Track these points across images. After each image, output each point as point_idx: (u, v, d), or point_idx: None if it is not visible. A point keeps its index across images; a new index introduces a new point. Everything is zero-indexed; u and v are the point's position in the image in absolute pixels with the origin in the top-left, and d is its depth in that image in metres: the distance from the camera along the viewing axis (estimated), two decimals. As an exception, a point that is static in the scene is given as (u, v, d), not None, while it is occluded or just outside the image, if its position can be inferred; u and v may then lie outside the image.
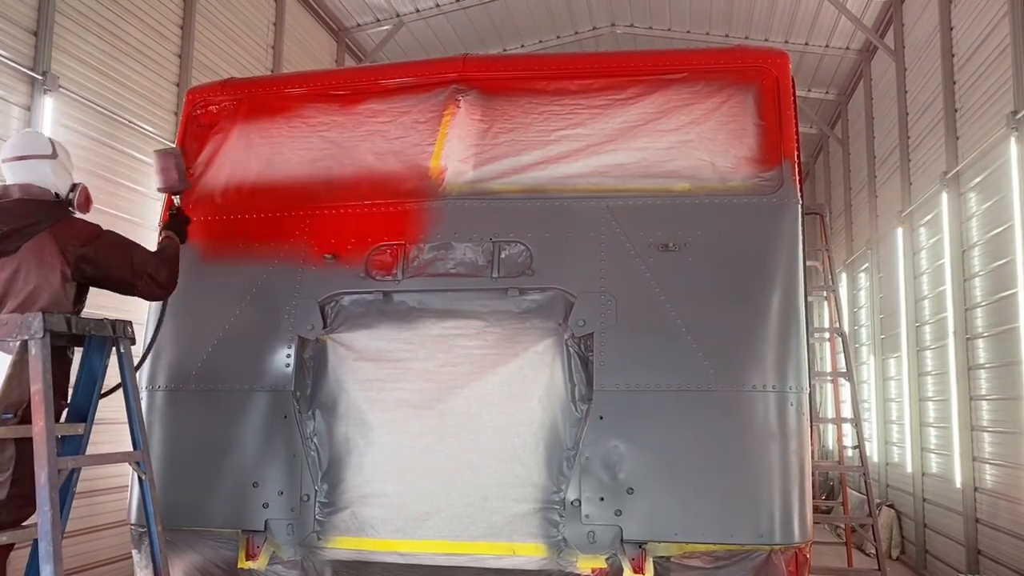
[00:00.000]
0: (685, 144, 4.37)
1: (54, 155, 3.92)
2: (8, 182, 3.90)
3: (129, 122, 9.13)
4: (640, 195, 4.28)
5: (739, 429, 3.92)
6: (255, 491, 4.19)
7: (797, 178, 4.25)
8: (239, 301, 4.45)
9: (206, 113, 4.97)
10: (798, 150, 4.36)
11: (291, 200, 4.62)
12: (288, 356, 4.31)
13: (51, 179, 3.86)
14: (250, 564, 4.16)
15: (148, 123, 9.40)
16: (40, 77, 7.84)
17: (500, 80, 4.66)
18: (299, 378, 4.29)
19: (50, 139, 4.02)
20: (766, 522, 3.84)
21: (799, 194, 4.23)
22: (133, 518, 4.34)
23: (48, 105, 7.92)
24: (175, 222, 4.47)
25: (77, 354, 3.88)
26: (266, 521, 4.16)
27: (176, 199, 4.57)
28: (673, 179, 4.31)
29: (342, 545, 4.11)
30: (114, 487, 8.37)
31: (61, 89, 8.08)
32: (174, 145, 4.67)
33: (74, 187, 3.94)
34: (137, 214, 9.13)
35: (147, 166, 9.30)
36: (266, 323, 4.37)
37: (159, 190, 4.57)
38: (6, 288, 3.64)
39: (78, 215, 3.97)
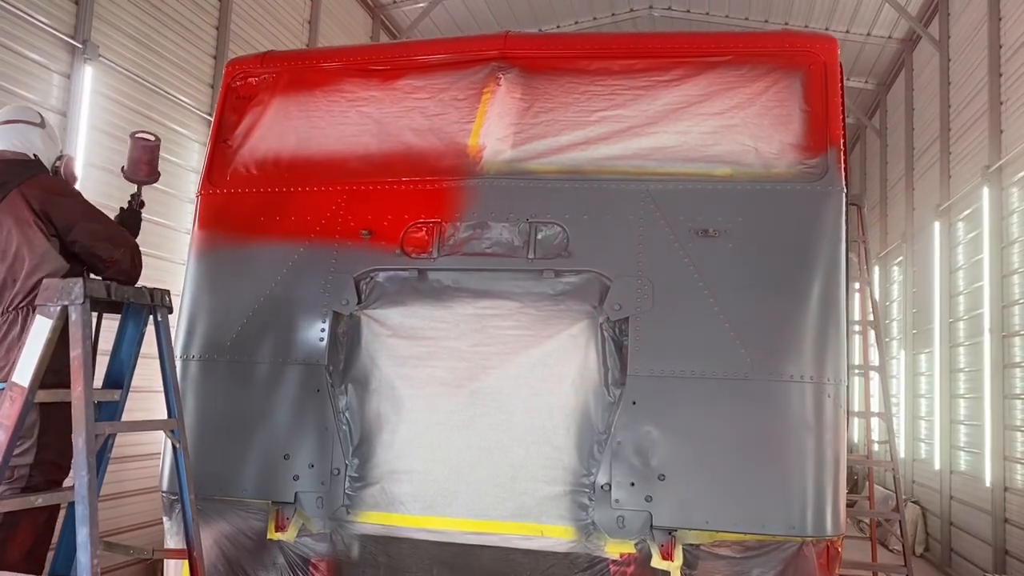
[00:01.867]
0: (728, 128, 4.29)
1: (42, 124, 4.04)
2: None
3: (166, 93, 9.18)
4: (681, 179, 4.21)
5: (774, 419, 3.87)
6: (286, 463, 4.21)
7: (843, 166, 4.16)
8: (275, 274, 4.45)
9: (245, 85, 4.96)
10: (844, 138, 4.27)
11: (328, 175, 4.60)
12: (322, 330, 4.31)
13: (38, 145, 3.97)
14: (279, 535, 4.18)
15: (185, 94, 9.44)
16: (80, 46, 7.91)
17: (542, 59, 4.60)
18: (332, 352, 4.29)
19: (42, 115, 4.11)
20: (798, 514, 3.79)
21: (844, 182, 4.15)
22: (165, 486, 4.38)
23: (88, 74, 7.99)
24: (130, 215, 4.40)
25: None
26: (296, 493, 4.18)
27: (136, 190, 4.51)
28: (715, 164, 4.24)
29: (371, 520, 4.12)
30: (141, 455, 8.50)
31: (101, 58, 8.14)
32: (154, 136, 4.57)
33: (60, 157, 4.05)
34: (172, 186, 9.20)
35: (184, 137, 9.37)
36: (301, 297, 4.37)
37: (126, 178, 4.50)
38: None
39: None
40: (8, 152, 3.89)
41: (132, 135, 4.48)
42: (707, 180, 4.20)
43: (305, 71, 4.93)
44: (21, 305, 3.82)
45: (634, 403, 3.95)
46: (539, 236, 4.23)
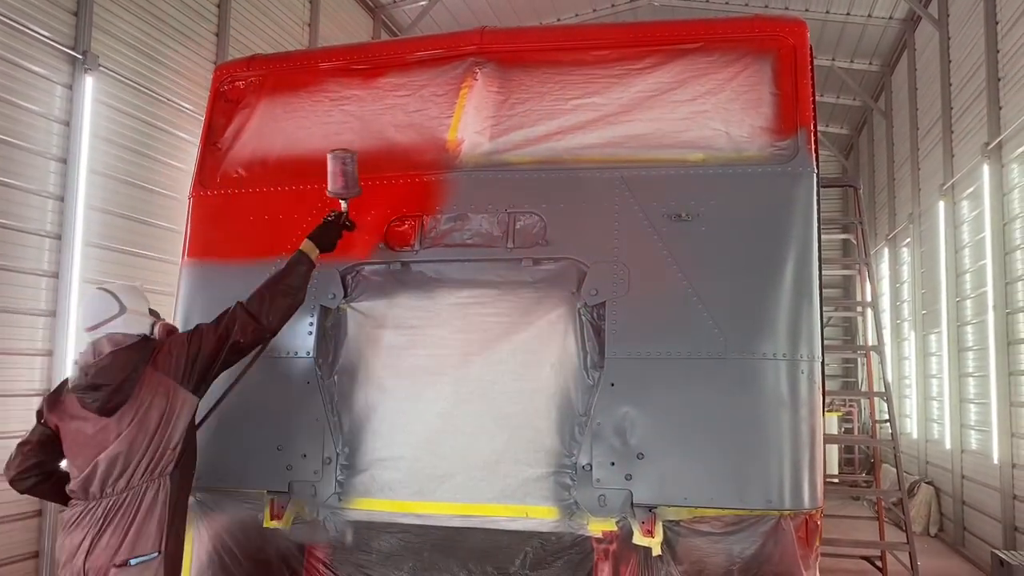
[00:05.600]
0: (701, 114, 4.36)
1: (122, 311, 3.87)
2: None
3: (167, 100, 9.35)
4: (654, 165, 4.29)
5: (750, 396, 3.93)
6: (279, 454, 4.33)
7: (813, 147, 4.22)
8: (264, 272, 4.56)
9: (233, 89, 5.09)
10: (815, 119, 4.33)
11: (314, 173, 4.70)
12: (311, 324, 4.42)
13: (126, 332, 3.84)
14: (275, 524, 4.30)
15: (186, 100, 9.61)
16: (80, 56, 8.09)
17: (518, 52, 4.69)
18: (321, 345, 4.41)
19: (114, 294, 3.90)
20: (776, 488, 3.86)
21: (815, 163, 4.21)
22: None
23: (88, 84, 8.17)
24: (326, 229, 4.22)
25: None
26: (290, 483, 4.29)
27: (343, 204, 4.32)
28: (688, 149, 4.31)
29: (362, 506, 4.23)
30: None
31: (101, 68, 8.32)
32: (348, 151, 4.27)
33: (152, 327, 3.95)
34: (174, 189, 9.38)
35: (184, 142, 9.53)
36: None
37: (329, 194, 4.29)
38: (141, 429, 3.71)
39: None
40: (117, 336, 3.81)
41: (329, 153, 4.25)
42: (680, 166, 4.28)
43: (290, 73, 5.05)
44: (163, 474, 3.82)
45: (612, 385, 4.03)
46: (517, 226, 4.32)
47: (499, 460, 4.10)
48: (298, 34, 12.24)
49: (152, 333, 3.94)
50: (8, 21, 7.34)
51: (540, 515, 4.05)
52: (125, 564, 3.60)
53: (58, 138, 7.99)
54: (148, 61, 9.14)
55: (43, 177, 7.84)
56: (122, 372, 3.69)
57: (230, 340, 3.87)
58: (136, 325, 3.89)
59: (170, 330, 4.01)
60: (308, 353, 4.39)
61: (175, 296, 4.81)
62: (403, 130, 4.68)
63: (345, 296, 4.45)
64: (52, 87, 7.92)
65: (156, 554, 3.67)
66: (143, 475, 3.71)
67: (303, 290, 4.08)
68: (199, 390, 3.90)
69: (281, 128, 4.89)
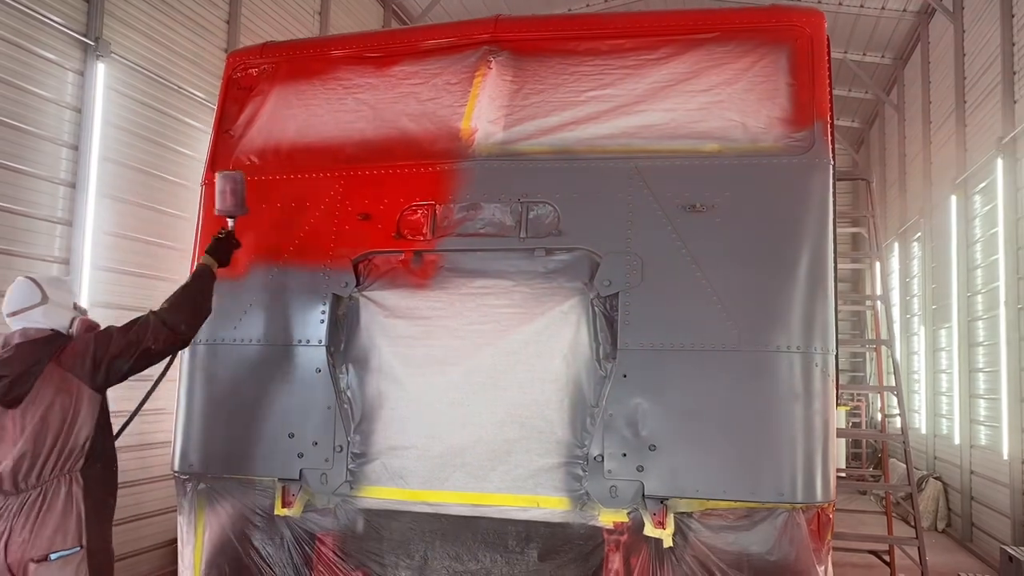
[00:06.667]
0: (716, 104, 4.33)
1: (44, 300, 3.96)
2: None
3: (178, 87, 9.34)
4: (669, 156, 4.26)
5: (763, 389, 3.92)
6: (291, 442, 4.34)
7: (829, 138, 4.19)
8: (276, 259, 4.57)
9: (246, 76, 5.07)
10: (831, 111, 4.30)
11: (327, 161, 4.70)
12: (323, 313, 4.42)
13: (44, 323, 3.94)
14: (286, 511, 4.32)
15: (197, 88, 9.60)
16: (92, 43, 8.08)
17: (531, 41, 4.66)
18: (333, 334, 4.41)
19: (38, 283, 4.00)
20: (788, 481, 3.85)
21: (831, 155, 4.18)
22: (177, 465, 4.54)
23: (100, 71, 8.17)
24: (220, 245, 4.33)
25: None
26: (301, 470, 4.30)
27: (230, 222, 4.43)
28: (703, 140, 4.28)
29: (373, 494, 4.24)
30: (165, 441, 8.71)
31: (113, 55, 8.32)
32: (238, 171, 4.49)
33: (73, 321, 4.02)
34: (185, 177, 9.39)
35: (197, 130, 9.54)
36: (302, 280, 4.49)
37: (217, 212, 4.42)
38: (43, 425, 3.76)
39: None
40: (31, 330, 3.92)
41: (218, 173, 4.43)
42: (695, 156, 4.25)
43: (303, 60, 5.03)
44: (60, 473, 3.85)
45: (625, 376, 4.02)
46: (530, 216, 4.31)
47: (510, 450, 4.10)
48: (309, 22, 12.22)
49: (71, 327, 4.02)
50: (21, 7, 7.34)
51: (551, 505, 4.05)
52: (45, 559, 3.68)
53: (69, 125, 8.00)
54: (160, 48, 9.13)
55: (54, 164, 7.85)
56: (22, 365, 3.76)
57: (142, 346, 3.93)
58: (55, 317, 3.98)
59: (89, 326, 4.07)
60: (320, 341, 4.39)
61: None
62: (416, 119, 4.66)
63: (357, 285, 4.45)
64: (64, 74, 7.92)
65: (78, 548, 3.74)
66: (52, 471, 3.79)
67: (209, 301, 4.21)
68: (102, 390, 3.95)
69: (294, 115, 4.88)
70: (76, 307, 4.14)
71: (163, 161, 9.19)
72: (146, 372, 4.04)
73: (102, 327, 4.07)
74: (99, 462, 3.95)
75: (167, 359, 4.31)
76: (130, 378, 4.01)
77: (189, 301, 4.11)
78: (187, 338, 4.12)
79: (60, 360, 3.85)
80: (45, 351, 3.84)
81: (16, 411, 3.76)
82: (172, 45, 9.32)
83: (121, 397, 4.20)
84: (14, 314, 3.96)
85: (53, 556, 3.68)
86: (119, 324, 4.00)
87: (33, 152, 7.61)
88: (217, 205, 4.41)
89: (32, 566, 3.66)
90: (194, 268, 4.32)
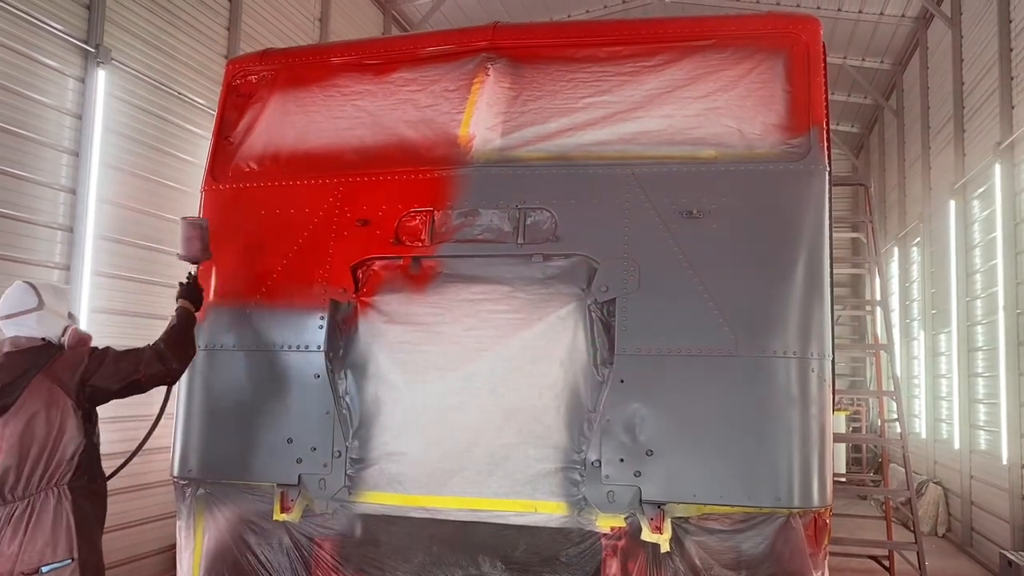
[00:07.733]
0: (712, 111, 4.36)
1: (40, 306, 3.96)
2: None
3: (179, 94, 9.37)
4: (666, 162, 4.29)
5: (759, 394, 3.94)
6: (289, 447, 4.36)
7: (825, 144, 4.22)
8: (275, 265, 4.60)
9: (245, 83, 5.10)
10: (827, 117, 4.32)
11: (326, 168, 4.73)
12: (322, 318, 4.44)
13: (38, 330, 3.93)
14: (284, 516, 4.33)
15: (198, 95, 9.63)
16: (93, 50, 8.11)
17: (529, 48, 4.69)
18: (332, 339, 4.43)
19: (36, 289, 4.00)
20: (785, 486, 3.87)
21: (827, 161, 4.21)
22: (176, 471, 4.55)
23: (101, 77, 8.20)
24: (190, 290, 4.37)
25: None
26: (299, 476, 4.32)
27: (193, 268, 4.51)
28: (700, 146, 4.31)
29: (371, 500, 4.25)
30: (166, 447, 8.70)
31: (114, 62, 8.35)
32: (202, 217, 4.58)
33: (65, 330, 4.01)
34: (186, 183, 9.40)
35: (196, 136, 9.57)
36: (301, 286, 4.51)
37: (180, 258, 4.49)
38: (27, 436, 3.74)
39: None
40: (21, 339, 3.92)
41: (182, 219, 4.48)
42: (692, 162, 4.28)
43: (302, 67, 5.06)
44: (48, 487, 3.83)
45: (622, 381, 4.04)
46: (528, 222, 4.33)
47: (508, 455, 4.12)
48: (309, 29, 12.26)
49: (63, 336, 4.00)
50: (21, 15, 7.37)
51: (549, 510, 4.06)
52: (36, 571, 3.67)
53: (70, 131, 8.02)
54: (160, 55, 9.16)
55: (55, 170, 7.87)
56: (10, 375, 3.77)
57: (133, 377, 3.96)
58: (49, 324, 3.97)
59: (81, 338, 4.06)
60: (319, 347, 4.41)
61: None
62: (415, 125, 4.69)
63: (356, 290, 4.47)
64: (64, 80, 7.95)
65: (69, 560, 3.73)
66: (40, 483, 3.77)
67: (194, 341, 4.26)
68: (83, 407, 3.91)
69: (293, 122, 4.91)
70: (70, 315, 4.14)
71: (163, 167, 9.22)
72: (142, 405, 3.96)
73: (94, 337, 4.07)
74: (87, 475, 3.93)
75: (165, 394, 4.38)
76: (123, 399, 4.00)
77: (182, 340, 4.15)
78: (176, 376, 4.15)
79: (49, 371, 3.84)
80: (35, 361, 3.83)
81: (0, 421, 3.74)
82: (173, 52, 9.35)
83: (121, 402, 4.20)
84: (8, 317, 3.95)
85: (44, 569, 3.68)
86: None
87: (34, 158, 7.63)
88: (182, 251, 4.45)
89: None
90: (175, 311, 4.28)
